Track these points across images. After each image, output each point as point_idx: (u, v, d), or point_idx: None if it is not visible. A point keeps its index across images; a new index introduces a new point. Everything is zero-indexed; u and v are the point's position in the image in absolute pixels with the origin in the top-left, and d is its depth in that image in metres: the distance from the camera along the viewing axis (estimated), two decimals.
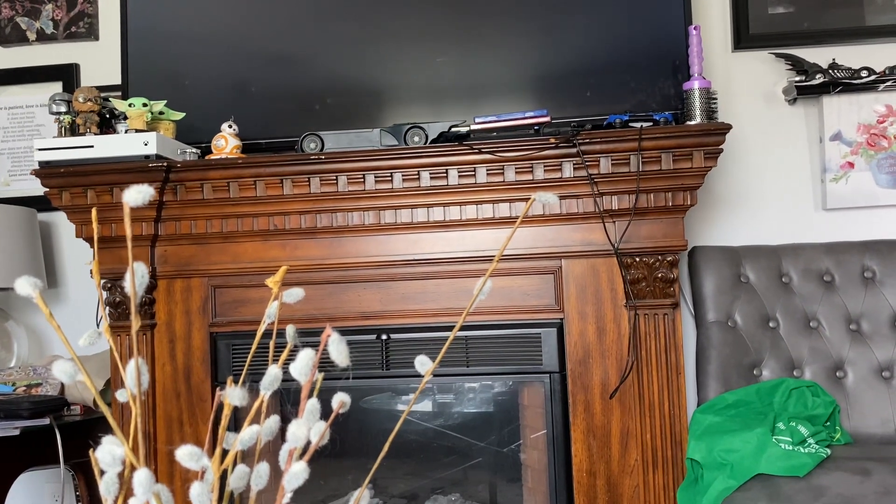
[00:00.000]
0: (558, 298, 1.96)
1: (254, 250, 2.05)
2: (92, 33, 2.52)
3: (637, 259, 1.91)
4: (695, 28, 1.94)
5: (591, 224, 1.95)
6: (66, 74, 2.51)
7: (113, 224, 2.05)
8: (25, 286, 0.55)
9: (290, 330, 0.71)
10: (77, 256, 2.53)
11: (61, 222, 2.52)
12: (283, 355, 0.67)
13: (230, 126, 2.08)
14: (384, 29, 2.18)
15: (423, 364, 0.69)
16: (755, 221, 2.25)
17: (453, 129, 2.03)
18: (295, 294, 0.68)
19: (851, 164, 2.19)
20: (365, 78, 2.19)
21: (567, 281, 1.95)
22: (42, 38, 2.54)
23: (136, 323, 0.62)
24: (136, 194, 0.55)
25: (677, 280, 1.91)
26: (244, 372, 0.81)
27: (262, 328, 0.75)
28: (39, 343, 2.54)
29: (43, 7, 2.54)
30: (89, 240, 2.10)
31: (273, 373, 0.67)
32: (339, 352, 0.60)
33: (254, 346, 0.78)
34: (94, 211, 0.72)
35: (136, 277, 0.54)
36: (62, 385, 2.23)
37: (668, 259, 1.90)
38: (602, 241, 1.93)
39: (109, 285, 2.07)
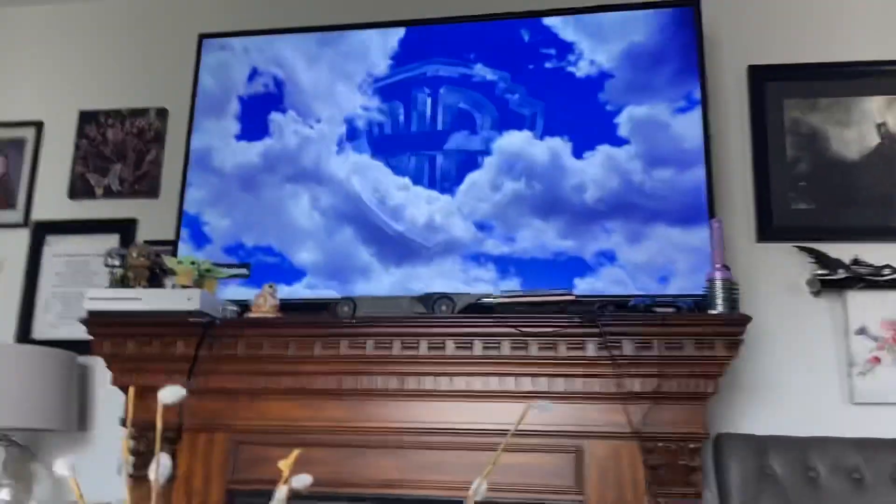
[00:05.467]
0: (579, 480, 1.93)
1: (279, 408, 2.09)
2: (153, 192, 2.72)
3: (659, 444, 1.90)
4: (717, 221, 2.03)
5: (613, 405, 1.96)
6: (125, 228, 2.68)
7: (148, 375, 2.12)
8: (62, 467, 0.60)
9: None
10: (110, 401, 2.58)
11: (99, 366, 2.60)
12: None
13: (270, 286, 2.18)
14: None
15: None
16: (781, 411, 2.23)
17: (480, 301, 2.11)
18: (303, 480, 0.71)
19: (878, 360, 2.19)
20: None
21: (589, 463, 1.93)
22: (108, 193, 2.75)
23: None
24: (171, 395, 0.61)
25: (700, 469, 1.88)
26: None
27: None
28: (61, 487, 2.55)
29: (112, 166, 2.76)
30: (123, 388, 2.16)
31: None
32: None
33: None
34: (130, 391, 0.78)
35: (159, 468, 0.59)
36: None
37: (691, 446, 1.88)
38: (624, 423, 1.93)
39: (136, 434, 2.11)
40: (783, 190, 2.35)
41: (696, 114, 2.23)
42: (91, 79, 2.90)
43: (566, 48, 2.36)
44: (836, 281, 2.22)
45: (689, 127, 2.23)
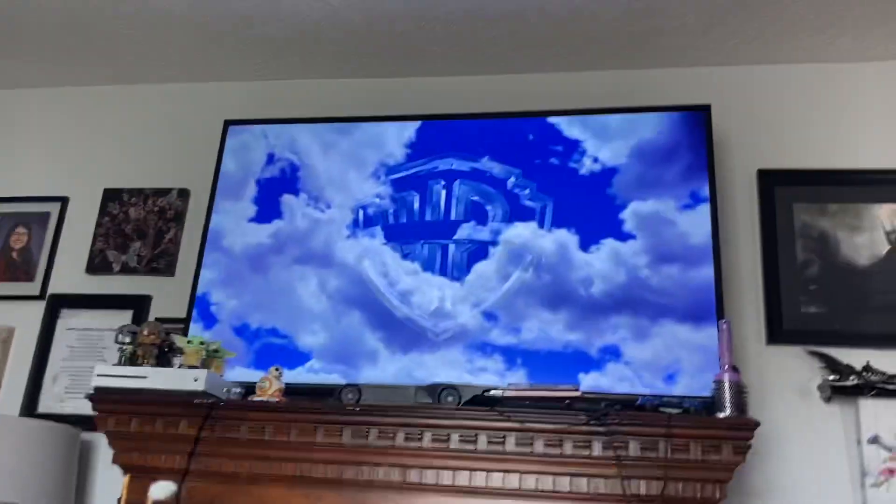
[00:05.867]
0: None
1: (278, 496, 2.06)
2: (169, 269, 2.76)
3: None
4: (725, 322, 2.02)
5: None
6: (138, 304, 2.71)
7: (149, 455, 2.10)
8: None
9: None
10: (112, 481, 2.54)
11: (102, 444, 2.58)
12: None
13: (276, 369, 2.18)
14: None
15: None
16: None
17: (486, 394, 2.09)
18: None
19: (892, 471, 2.13)
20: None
21: None
22: (125, 269, 2.79)
23: None
24: (161, 490, 0.61)
25: None
26: None
27: None
28: None
29: (132, 244, 2.82)
30: (124, 467, 2.14)
31: None
32: None
33: None
34: (126, 479, 0.78)
35: None
36: None
37: None
38: None
39: None
40: (793, 293, 2.35)
41: (703, 211, 2.26)
42: (118, 158, 3.00)
43: (573, 145, 2.42)
44: (847, 388, 2.19)
45: (695, 225, 2.25)
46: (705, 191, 2.28)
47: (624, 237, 2.30)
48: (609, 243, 2.30)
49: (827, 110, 2.58)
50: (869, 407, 2.19)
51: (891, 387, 2.17)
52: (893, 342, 2.26)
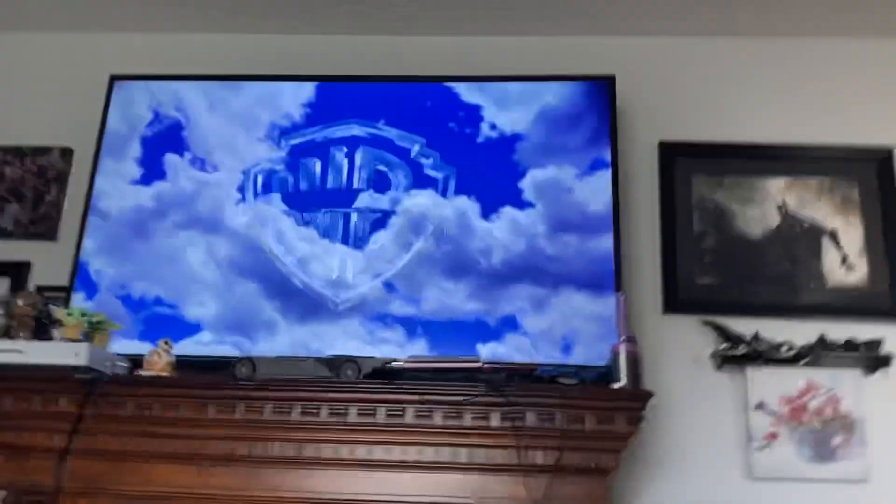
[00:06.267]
0: None
1: (167, 473, 1.97)
2: (50, 234, 2.58)
3: None
4: (622, 295, 2.05)
5: (515, 477, 1.92)
6: (16, 271, 2.53)
7: (25, 433, 1.98)
8: None
9: None
10: None
11: None
12: None
13: (165, 342, 2.08)
14: None
15: None
16: (683, 485, 2.23)
17: (387, 366, 2.05)
18: None
19: (774, 435, 2.23)
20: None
21: None
22: (1, 234, 2.59)
23: None
24: None
25: None
26: None
27: None
28: None
29: (7, 206, 2.61)
30: (1, 447, 2.01)
31: None
32: None
33: None
34: None
35: None
36: None
37: None
38: (525, 497, 1.89)
39: (13, 500, 1.96)
40: (689, 264, 2.40)
41: (603, 178, 2.28)
42: None
43: (474, 111, 2.38)
44: (737, 356, 2.26)
45: (594, 192, 2.27)
46: (606, 159, 2.29)
47: (523, 205, 2.29)
48: (508, 211, 2.28)
49: (727, 84, 2.62)
50: (757, 375, 2.27)
51: (777, 355, 2.25)
52: (780, 312, 2.35)
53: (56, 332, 2.10)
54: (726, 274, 2.40)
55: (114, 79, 2.52)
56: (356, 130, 2.40)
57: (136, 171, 2.43)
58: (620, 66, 2.55)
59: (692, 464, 2.26)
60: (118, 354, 2.09)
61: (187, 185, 2.39)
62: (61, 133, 2.70)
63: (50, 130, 2.71)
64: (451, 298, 2.23)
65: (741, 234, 2.43)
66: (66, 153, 2.66)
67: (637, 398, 1.88)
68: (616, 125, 2.34)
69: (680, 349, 2.36)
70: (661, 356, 2.34)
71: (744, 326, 2.32)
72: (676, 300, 2.37)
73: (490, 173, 2.33)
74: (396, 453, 1.95)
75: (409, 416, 1.94)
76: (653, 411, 2.19)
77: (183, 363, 2.10)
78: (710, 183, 2.47)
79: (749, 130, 2.55)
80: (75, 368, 1.95)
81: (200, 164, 2.41)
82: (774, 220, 2.44)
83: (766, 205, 2.45)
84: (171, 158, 2.42)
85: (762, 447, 2.22)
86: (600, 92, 2.36)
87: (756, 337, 2.28)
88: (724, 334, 2.30)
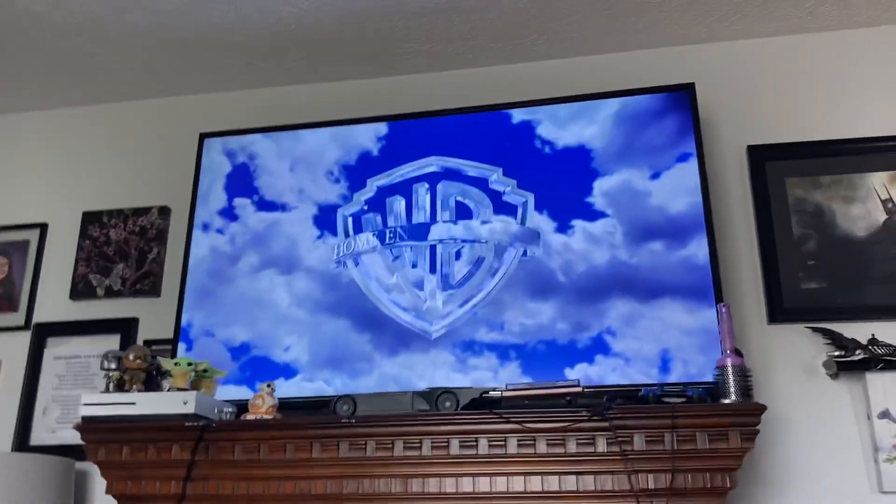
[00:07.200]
0: None
1: None
2: (154, 290, 2.70)
3: None
4: (724, 305, 1.97)
5: (628, 502, 1.86)
6: (125, 328, 2.65)
7: (143, 482, 2.05)
8: None
9: None
10: None
11: (97, 473, 2.52)
12: None
13: (268, 385, 2.13)
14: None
15: None
16: (806, 503, 2.11)
17: (485, 396, 2.04)
18: None
19: None
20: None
21: None
22: (109, 293, 2.73)
23: None
24: None
25: None
26: None
27: None
28: None
29: (114, 266, 2.75)
30: (118, 497, 2.08)
31: None
32: None
33: None
34: None
35: None
36: None
37: None
38: None
39: None
40: (792, 269, 2.29)
41: (682, 179, 2.22)
42: (95, 180, 2.93)
43: (550, 132, 2.37)
44: (853, 363, 2.14)
45: (673, 193, 2.22)
46: (686, 160, 2.24)
47: (595, 216, 2.26)
48: (581, 224, 2.26)
49: (811, 81, 2.52)
50: (877, 381, 2.14)
51: None
52: (895, 313, 2.21)
53: (165, 383, 2.18)
54: (832, 277, 2.28)
55: (203, 136, 2.63)
56: (435, 165, 2.43)
57: (219, 221, 2.53)
58: (699, 74, 2.49)
59: (814, 479, 2.13)
60: (224, 401, 2.15)
61: (258, 227, 2.47)
62: (158, 193, 2.84)
63: (149, 192, 2.85)
64: (540, 319, 2.20)
65: (845, 234, 2.31)
66: (164, 211, 2.79)
67: (750, 413, 1.80)
68: (700, 132, 2.28)
69: (788, 359, 2.25)
70: (770, 369, 2.24)
71: (856, 331, 2.19)
72: (781, 308, 2.26)
73: (564, 188, 2.30)
74: (501, 484, 1.91)
75: (512, 446, 1.91)
76: (767, 426, 2.10)
77: (284, 405, 2.14)
78: (805, 184, 2.37)
79: (840, 126, 2.43)
80: (185, 416, 2.01)
81: (275, 206, 2.48)
82: (880, 216, 2.31)
83: (869, 201, 2.32)
84: (241, 202, 2.51)
85: (892, 458, 2.08)
86: (681, 102, 2.30)
87: (873, 340, 2.15)
88: (837, 340, 2.18)
